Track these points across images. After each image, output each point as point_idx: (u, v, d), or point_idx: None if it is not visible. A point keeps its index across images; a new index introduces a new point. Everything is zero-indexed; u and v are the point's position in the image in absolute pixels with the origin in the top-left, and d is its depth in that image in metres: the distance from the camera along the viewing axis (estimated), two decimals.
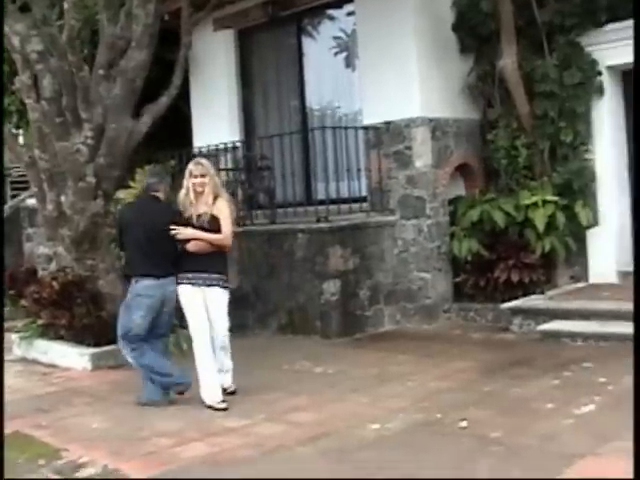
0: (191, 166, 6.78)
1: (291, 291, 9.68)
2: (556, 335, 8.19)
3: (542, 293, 9.22)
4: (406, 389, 6.87)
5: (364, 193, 10.19)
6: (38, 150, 8.41)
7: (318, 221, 9.44)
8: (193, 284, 6.69)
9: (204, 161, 6.92)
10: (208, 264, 6.70)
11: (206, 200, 6.70)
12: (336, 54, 10.96)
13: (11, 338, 9.69)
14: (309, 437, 5.68)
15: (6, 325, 10.43)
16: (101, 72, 8.52)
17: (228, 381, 6.98)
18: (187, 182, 6.73)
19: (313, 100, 11.25)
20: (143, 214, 6.87)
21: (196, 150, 11.62)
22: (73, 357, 8.62)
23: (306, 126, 11.05)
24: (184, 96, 12.25)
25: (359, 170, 9.97)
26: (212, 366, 6.70)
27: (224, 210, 6.74)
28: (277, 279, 9.85)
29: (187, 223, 6.68)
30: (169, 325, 7.11)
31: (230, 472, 5.06)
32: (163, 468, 5.27)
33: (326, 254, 9.29)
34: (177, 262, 6.76)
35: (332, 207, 9.65)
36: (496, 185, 9.98)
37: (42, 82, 8.29)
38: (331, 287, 9.27)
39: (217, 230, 6.69)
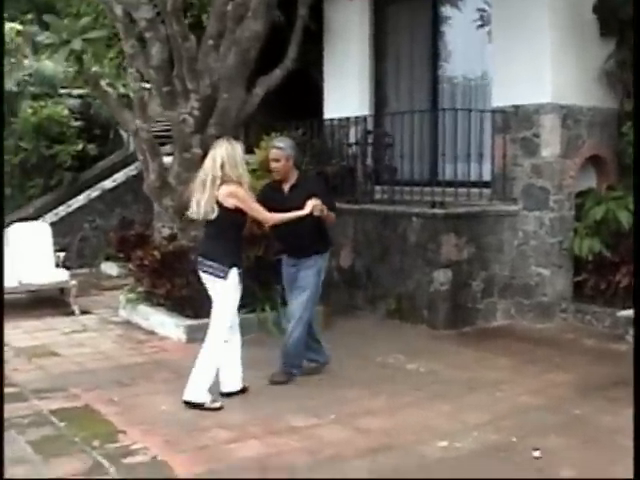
0: None
1: (402, 276, 9.38)
2: None
3: None
4: (492, 401, 6.51)
5: (488, 178, 9.68)
6: (139, 120, 8.38)
7: (433, 206, 9.06)
8: None
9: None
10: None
11: None
12: (472, 30, 10.38)
13: (119, 299, 9.90)
14: (370, 449, 5.46)
15: (116, 283, 10.66)
16: (210, 42, 8.39)
17: None
18: None
19: (445, 77, 10.78)
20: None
21: (326, 121, 11.41)
22: (170, 327, 8.67)
23: (436, 104, 10.60)
24: (318, 65, 12.07)
25: (481, 155, 9.48)
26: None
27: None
28: (389, 262, 9.56)
29: None
30: None
31: None
32: (210, 466, 5.19)
33: (439, 242, 8.92)
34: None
35: (456, 190, 9.27)
36: (628, 182, 9.24)
37: (150, 50, 8.23)
38: (441, 276, 8.91)
39: None
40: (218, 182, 6.28)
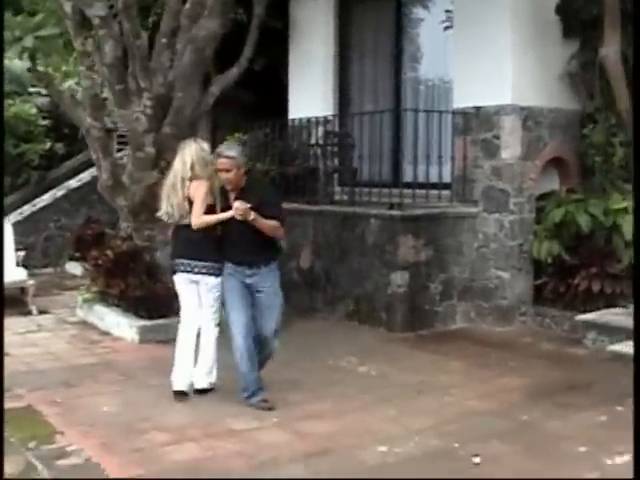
0: None
1: (360, 278, 9.27)
2: (627, 358, 7.44)
3: (625, 307, 8.45)
4: (440, 405, 6.40)
5: (449, 180, 9.58)
6: (90, 118, 8.25)
7: (391, 208, 8.96)
8: None
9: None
10: None
11: None
12: (436, 31, 10.28)
13: (77, 299, 9.77)
14: (308, 453, 5.37)
15: (79, 283, 10.53)
16: (164, 40, 8.27)
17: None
18: None
19: (408, 78, 10.67)
20: None
21: (290, 121, 11.30)
22: (124, 327, 8.55)
23: (399, 105, 10.50)
24: (284, 65, 11.97)
25: (441, 157, 9.39)
26: None
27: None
28: (348, 264, 9.45)
29: None
30: None
31: None
32: (142, 470, 5.08)
33: (396, 243, 8.82)
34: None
35: (418, 191, 9.15)
36: (590, 184, 9.18)
37: (104, 48, 8.08)
38: (399, 278, 8.81)
39: None
40: (187, 183, 6.23)
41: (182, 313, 6.57)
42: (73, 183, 14.09)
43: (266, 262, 6.43)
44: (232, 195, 6.32)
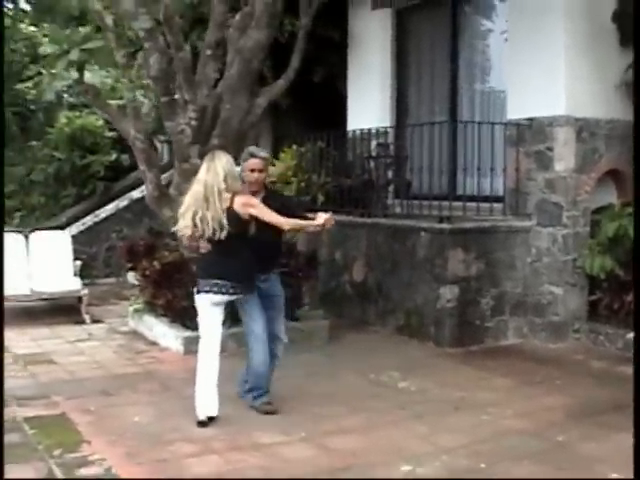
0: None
1: (411, 292, 9.13)
2: None
3: None
4: (475, 423, 6.22)
5: (502, 193, 9.37)
6: (133, 130, 8.30)
7: (441, 221, 8.80)
8: None
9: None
10: None
11: None
12: (493, 40, 10.11)
13: (129, 309, 9.86)
14: (329, 469, 5.28)
15: (133, 294, 10.60)
16: (208, 52, 8.25)
17: None
18: None
19: (464, 88, 10.49)
20: None
21: (349, 132, 11.22)
22: (170, 338, 8.57)
23: (455, 116, 10.33)
24: (342, 76, 11.92)
25: (493, 169, 9.17)
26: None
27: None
28: (399, 277, 9.31)
29: None
30: None
31: None
32: None
33: (445, 257, 8.65)
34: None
35: (472, 204, 8.93)
36: None
37: (149, 60, 8.12)
38: (448, 293, 8.64)
39: None
40: (224, 195, 5.99)
41: (208, 334, 6.31)
42: (136, 194, 14.23)
43: (277, 267, 6.63)
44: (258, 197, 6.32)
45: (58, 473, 5.16)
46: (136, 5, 7.80)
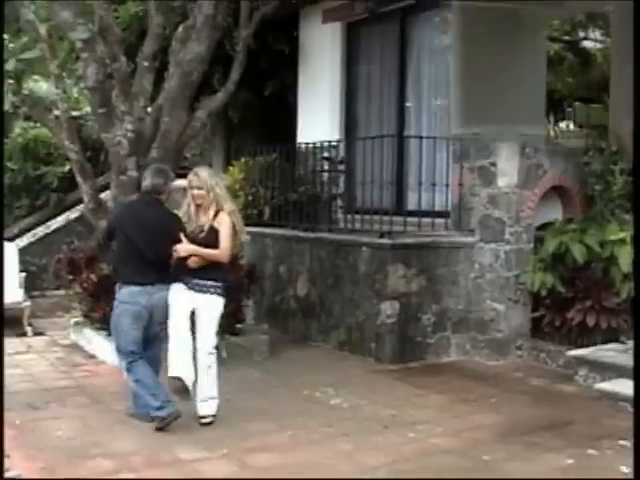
0: (190, 176, 6.40)
1: (352, 307, 9.02)
2: (614, 397, 7.10)
3: (623, 342, 8.07)
4: (402, 442, 6.11)
5: (446, 208, 9.30)
6: (67, 141, 8.17)
7: (381, 236, 8.71)
8: (186, 284, 6.37)
9: (203, 172, 6.46)
10: (201, 271, 6.35)
11: (206, 213, 6.35)
12: (437, 55, 10.07)
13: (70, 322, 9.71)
14: None
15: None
16: (146, 64, 8.15)
17: (205, 410, 6.42)
18: (188, 193, 6.39)
19: (412, 102, 10.45)
20: (143, 217, 6.44)
21: (299, 145, 11.13)
22: (107, 351, 8.40)
23: (402, 130, 10.27)
24: (292, 88, 11.85)
25: (437, 184, 9.11)
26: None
27: (224, 224, 6.35)
28: (341, 292, 9.21)
29: (188, 236, 6.31)
30: (160, 337, 6.64)
31: None
32: None
33: (386, 273, 8.56)
34: (171, 270, 6.39)
35: (419, 220, 8.93)
36: (592, 214, 8.82)
37: (86, 71, 7.99)
38: (388, 308, 8.54)
39: (215, 242, 6.28)
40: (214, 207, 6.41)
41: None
42: None
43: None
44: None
45: None
46: (74, 16, 7.67)
